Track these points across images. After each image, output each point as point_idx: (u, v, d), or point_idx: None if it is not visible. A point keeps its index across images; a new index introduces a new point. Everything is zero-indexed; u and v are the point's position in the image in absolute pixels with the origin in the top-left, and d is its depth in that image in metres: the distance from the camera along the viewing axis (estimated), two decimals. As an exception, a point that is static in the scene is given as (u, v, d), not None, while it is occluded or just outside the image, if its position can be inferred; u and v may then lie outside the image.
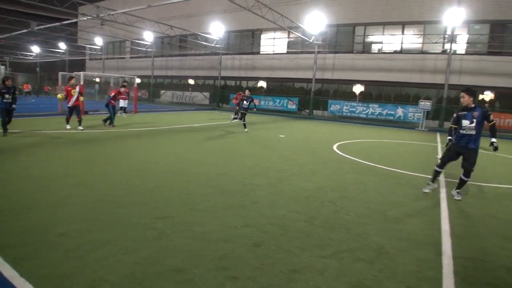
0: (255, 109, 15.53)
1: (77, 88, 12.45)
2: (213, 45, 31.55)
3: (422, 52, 24.43)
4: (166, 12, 32.32)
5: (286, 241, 3.95)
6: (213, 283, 3.00)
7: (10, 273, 2.97)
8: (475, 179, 7.93)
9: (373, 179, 7.31)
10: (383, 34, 25.96)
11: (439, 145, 13.96)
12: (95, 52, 44.16)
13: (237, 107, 21.68)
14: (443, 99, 22.49)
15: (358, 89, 26.69)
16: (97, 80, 34.61)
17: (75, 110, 12.39)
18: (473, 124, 5.98)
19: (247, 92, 14.65)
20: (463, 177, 6.12)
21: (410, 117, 22.85)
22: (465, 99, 6.16)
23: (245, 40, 32.83)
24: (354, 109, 24.83)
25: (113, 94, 14.59)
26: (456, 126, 6.25)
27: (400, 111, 23.28)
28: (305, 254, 3.67)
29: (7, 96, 10.43)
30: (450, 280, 3.32)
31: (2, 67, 42.41)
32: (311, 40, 26.11)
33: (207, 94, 33.76)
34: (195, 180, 6.39)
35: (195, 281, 3.02)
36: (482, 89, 22.71)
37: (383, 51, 26.11)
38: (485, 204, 6.01)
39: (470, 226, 4.86)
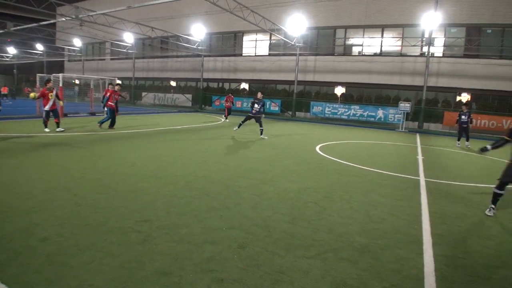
0: (263, 115, 13.90)
1: (54, 92, 12.24)
2: (195, 47, 31.41)
3: (401, 54, 24.92)
4: (147, 14, 32.00)
5: (271, 242, 3.97)
6: (199, 286, 2.99)
7: (-10, 280, 2.89)
8: (454, 179, 8.14)
9: (355, 180, 7.41)
10: (363, 37, 26.36)
11: (419, 146, 14.26)
12: (74, 54, 43.37)
13: (227, 110, 21.80)
14: (422, 101, 22.98)
15: (339, 91, 27.02)
16: (77, 82, 33.97)
17: (52, 113, 12.18)
18: None
19: (259, 94, 13.70)
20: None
21: (391, 118, 23.25)
22: None
23: (227, 42, 32.82)
24: (336, 111, 25.11)
25: (108, 94, 13.66)
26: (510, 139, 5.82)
27: (380, 113, 23.66)
28: (290, 255, 3.70)
29: None
30: (432, 278, 3.40)
31: None
32: (292, 43, 26.30)
33: (189, 96, 33.56)
34: (177, 182, 6.33)
35: (182, 284, 3.01)
36: (459, 91, 23.32)
37: (363, 54, 26.50)
38: (465, 203, 6.15)
39: (450, 225, 4.98)
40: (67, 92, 30.24)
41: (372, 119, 23.95)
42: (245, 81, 31.77)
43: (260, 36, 30.52)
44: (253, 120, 13.79)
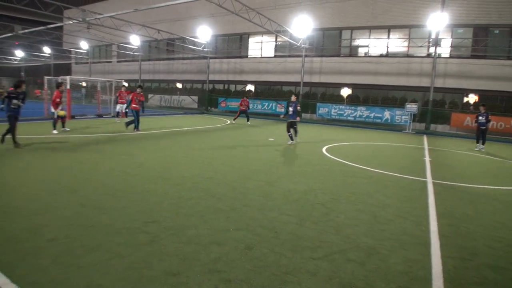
0: (298, 118, 12.87)
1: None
2: (200, 49, 31.51)
3: (408, 55, 24.79)
4: (153, 16, 32.19)
5: (278, 244, 3.97)
6: (207, 286, 3.00)
7: (2, 280, 2.93)
8: (462, 181, 8.09)
9: (362, 181, 7.39)
10: (369, 38, 26.27)
11: (426, 147, 14.18)
12: (81, 56, 43.69)
13: (238, 113, 21.80)
14: (429, 102, 22.85)
15: (345, 92, 26.94)
16: (84, 84, 34.23)
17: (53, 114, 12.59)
18: None
19: (293, 97, 13.15)
20: None
21: (397, 119, 23.13)
22: None
23: (233, 44, 32.88)
24: (342, 112, 25.03)
25: (131, 97, 13.90)
26: None
27: (387, 114, 23.55)
28: (297, 256, 3.70)
29: (15, 101, 9.24)
30: (440, 279, 3.38)
31: None
32: (298, 44, 26.29)
33: (195, 97, 33.64)
34: (183, 184, 6.36)
35: (189, 284, 3.02)
36: (466, 92, 23.14)
37: (369, 55, 26.41)
38: (472, 204, 6.11)
39: (458, 226, 4.95)
40: (74, 95, 30.50)
41: (379, 120, 23.85)
42: (251, 82, 31.80)
43: (265, 37, 30.54)
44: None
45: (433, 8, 21.72)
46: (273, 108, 28.28)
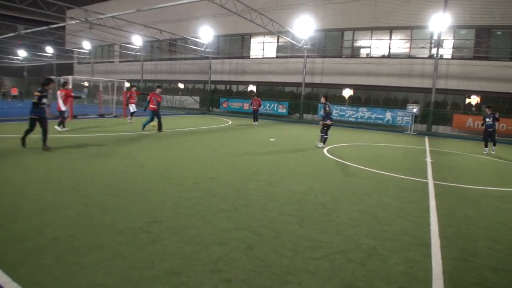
0: (321, 122, 12.51)
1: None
2: (202, 49, 31.56)
3: (409, 56, 24.79)
4: (155, 16, 32.26)
5: (279, 244, 3.99)
6: (208, 286, 3.02)
7: (3, 279, 2.95)
8: (463, 182, 8.09)
9: (363, 182, 7.40)
10: (371, 39, 26.28)
11: (428, 149, 14.17)
12: (83, 56, 43.81)
13: (257, 113, 21.75)
14: (431, 103, 22.83)
15: (347, 93, 26.95)
16: (86, 84, 34.31)
17: (63, 113, 12.71)
18: None
19: (322, 99, 12.72)
20: None
21: (399, 120, 23.13)
22: None
23: (235, 44, 32.92)
24: (344, 113, 25.04)
25: (149, 97, 14.05)
26: None
27: (389, 115, 23.56)
28: (298, 256, 3.71)
29: (45, 100, 8.96)
30: (440, 280, 3.39)
31: None
32: (300, 45, 26.31)
33: (197, 98, 33.70)
34: (185, 184, 6.38)
35: (191, 284, 3.04)
36: (468, 93, 23.13)
37: (371, 56, 26.42)
38: (473, 206, 6.11)
39: (458, 227, 4.95)
40: (77, 94, 30.51)
41: (380, 121, 23.85)
42: (253, 83, 31.82)
43: (267, 38, 30.57)
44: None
45: (435, 9, 21.72)
46: (275, 108, 28.31)
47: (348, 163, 9.53)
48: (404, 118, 22.78)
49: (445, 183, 7.78)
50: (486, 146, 13.83)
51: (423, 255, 3.92)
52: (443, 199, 6.41)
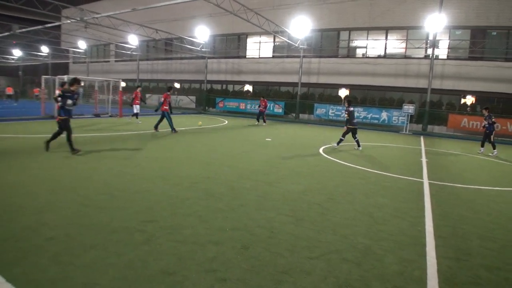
0: (345, 127, 12.69)
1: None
2: (199, 49, 31.51)
3: (405, 56, 24.89)
4: (151, 16, 32.19)
5: (274, 243, 3.99)
6: (203, 285, 3.02)
7: (-2, 279, 2.94)
8: (458, 181, 8.13)
9: (359, 182, 7.42)
10: (367, 39, 26.35)
11: (423, 148, 14.23)
12: (79, 56, 43.62)
13: (263, 114, 21.52)
14: (426, 103, 22.92)
15: (343, 93, 27.01)
16: (82, 83, 34.19)
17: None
18: None
19: (346, 103, 12.43)
20: None
21: (395, 120, 23.22)
22: None
23: (231, 44, 32.91)
24: (340, 113, 25.08)
25: (163, 99, 14.01)
26: None
27: (384, 115, 23.64)
28: (293, 255, 3.71)
29: (69, 102, 8.57)
30: (435, 279, 3.41)
31: None
32: (296, 45, 26.34)
33: (193, 97, 33.66)
34: (182, 183, 6.37)
35: (185, 283, 3.04)
36: (464, 93, 23.25)
37: (367, 56, 26.49)
38: (468, 205, 6.15)
39: (453, 227, 4.98)
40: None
41: (376, 121, 23.93)
42: (249, 83, 31.83)
43: (264, 38, 30.58)
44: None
45: (431, 9, 21.83)
46: (271, 108, 28.32)
47: (344, 163, 9.55)
48: (400, 118, 22.88)
49: (441, 183, 7.81)
50: (482, 146, 13.85)
51: (418, 255, 3.94)
52: (438, 198, 6.44)
